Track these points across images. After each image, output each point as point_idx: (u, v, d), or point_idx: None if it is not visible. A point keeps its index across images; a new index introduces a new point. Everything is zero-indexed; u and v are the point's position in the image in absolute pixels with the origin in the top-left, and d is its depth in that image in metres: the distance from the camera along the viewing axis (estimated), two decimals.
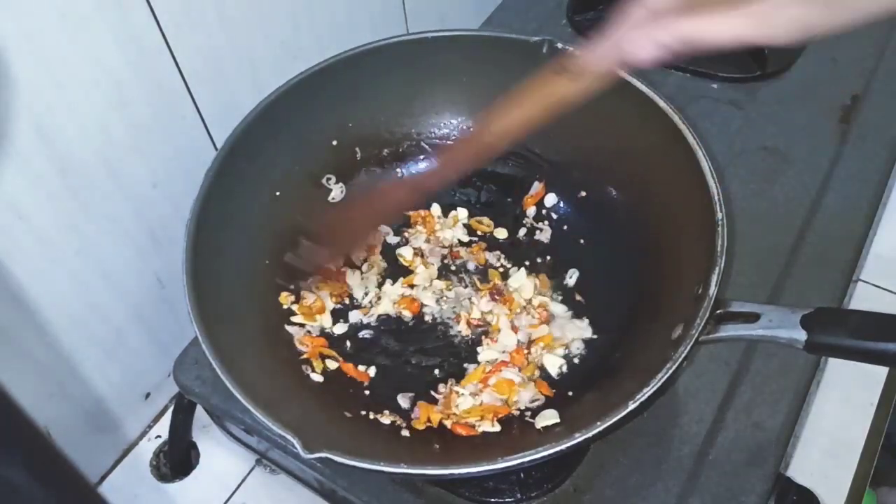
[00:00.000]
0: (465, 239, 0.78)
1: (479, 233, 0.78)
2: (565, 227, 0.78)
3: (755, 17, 0.43)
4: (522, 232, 0.78)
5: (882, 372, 0.74)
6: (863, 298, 0.80)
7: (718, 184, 0.61)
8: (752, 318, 0.56)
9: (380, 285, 0.75)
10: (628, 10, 0.48)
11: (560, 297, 0.73)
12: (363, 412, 0.65)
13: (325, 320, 0.71)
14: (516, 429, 0.64)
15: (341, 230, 0.71)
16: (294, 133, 0.73)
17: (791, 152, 0.85)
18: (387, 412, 0.65)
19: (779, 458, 0.64)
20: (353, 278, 0.74)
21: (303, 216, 0.73)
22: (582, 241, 0.77)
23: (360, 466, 0.52)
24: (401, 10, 0.90)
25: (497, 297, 0.72)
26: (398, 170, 0.81)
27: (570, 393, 0.66)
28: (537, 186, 0.79)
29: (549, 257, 0.76)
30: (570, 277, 0.74)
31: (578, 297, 0.73)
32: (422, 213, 0.79)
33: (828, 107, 0.89)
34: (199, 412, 0.76)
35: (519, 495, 0.63)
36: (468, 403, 0.65)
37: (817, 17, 0.42)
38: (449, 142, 0.81)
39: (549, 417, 0.62)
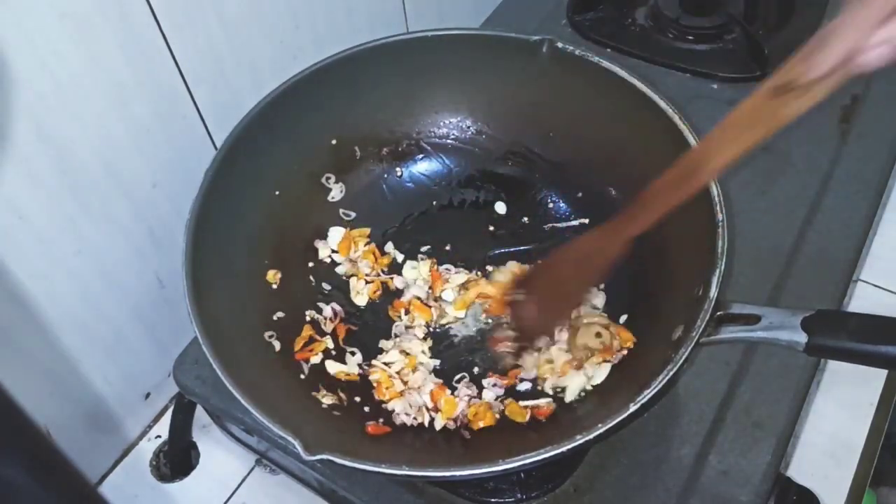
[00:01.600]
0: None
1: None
2: (564, 228, 0.78)
3: None
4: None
5: (882, 372, 0.74)
6: (863, 298, 0.80)
7: (718, 184, 0.61)
8: (753, 319, 0.56)
9: None
10: (852, 8, 0.43)
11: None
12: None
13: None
14: (517, 429, 0.64)
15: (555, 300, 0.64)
16: (293, 132, 0.73)
17: (791, 152, 0.85)
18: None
19: (779, 458, 0.64)
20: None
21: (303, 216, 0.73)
22: None
23: (362, 468, 0.52)
24: (401, 10, 0.90)
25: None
26: (398, 169, 0.81)
27: None
28: None
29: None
30: None
31: None
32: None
33: (828, 107, 0.89)
34: (199, 412, 0.76)
35: (519, 495, 0.63)
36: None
37: None
38: (448, 141, 0.81)
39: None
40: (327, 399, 0.65)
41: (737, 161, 0.53)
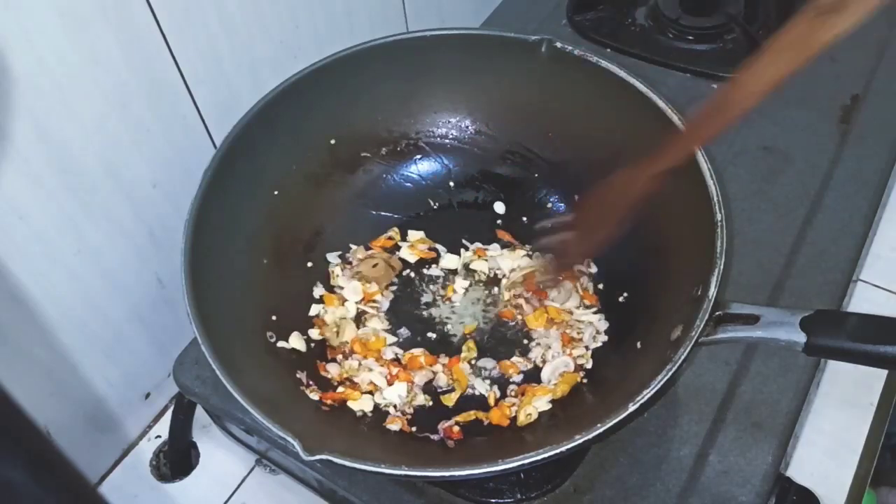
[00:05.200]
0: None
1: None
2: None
3: None
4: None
5: (882, 372, 0.74)
6: (863, 298, 0.80)
7: (718, 184, 0.61)
8: (752, 319, 0.56)
9: None
10: None
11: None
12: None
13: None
14: (520, 430, 0.64)
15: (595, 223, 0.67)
16: (292, 132, 0.73)
17: (791, 152, 0.85)
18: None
19: (779, 458, 0.64)
20: None
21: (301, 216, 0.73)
22: None
23: (362, 468, 0.52)
24: (401, 10, 0.90)
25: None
26: (397, 169, 0.81)
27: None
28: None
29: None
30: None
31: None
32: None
33: (828, 107, 0.89)
34: (199, 412, 0.76)
35: (519, 495, 0.63)
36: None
37: None
38: (447, 141, 0.81)
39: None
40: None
41: (779, 86, 0.53)
